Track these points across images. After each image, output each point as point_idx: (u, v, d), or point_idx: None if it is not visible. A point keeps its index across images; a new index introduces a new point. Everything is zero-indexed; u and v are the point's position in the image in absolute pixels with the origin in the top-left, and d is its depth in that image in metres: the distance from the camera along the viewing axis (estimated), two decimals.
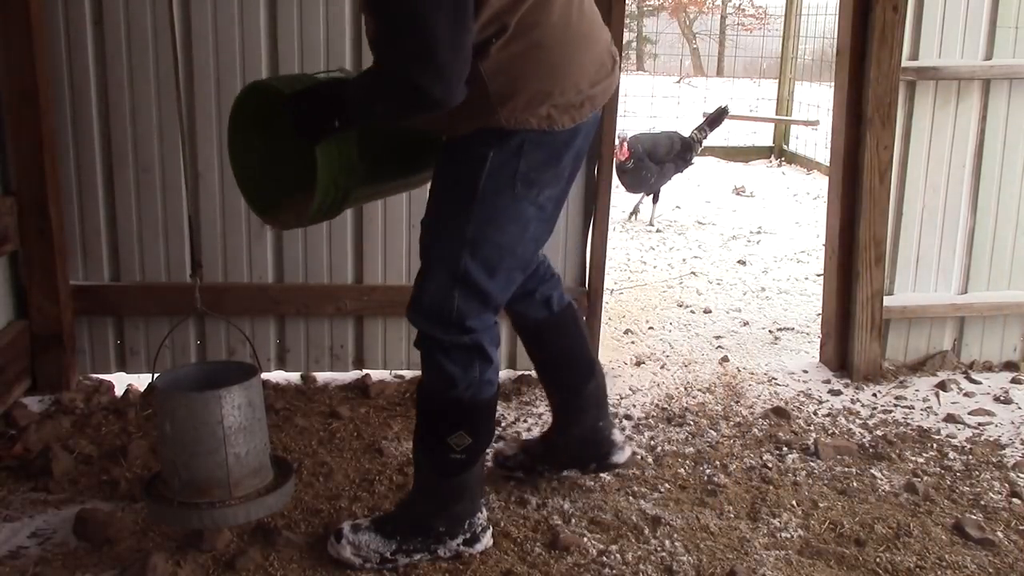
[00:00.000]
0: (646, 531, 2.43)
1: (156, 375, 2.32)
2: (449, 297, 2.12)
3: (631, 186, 5.97)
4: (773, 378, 3.55)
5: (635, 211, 6.11)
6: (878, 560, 2.33)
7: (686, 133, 6.37)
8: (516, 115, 2.00)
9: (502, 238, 2.10)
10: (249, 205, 2.32)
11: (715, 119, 6.51)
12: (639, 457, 2.84)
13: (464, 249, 2.09)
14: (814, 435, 3.04)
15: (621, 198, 5.91)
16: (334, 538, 2.27)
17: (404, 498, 2.44)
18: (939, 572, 2.31)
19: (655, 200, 6.11)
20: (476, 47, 1.92)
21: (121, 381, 3.24)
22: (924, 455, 2.93)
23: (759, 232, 5.94)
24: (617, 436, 2.65)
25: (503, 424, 3.01)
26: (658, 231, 5.94)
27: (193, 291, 2.38)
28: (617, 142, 5.49)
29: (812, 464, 2.84)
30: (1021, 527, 2.52)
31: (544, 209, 2.15)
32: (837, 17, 3.66)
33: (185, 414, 2.20)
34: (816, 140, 7.92)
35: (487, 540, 2.31)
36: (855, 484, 2.73)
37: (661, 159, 5.96)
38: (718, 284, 4.82)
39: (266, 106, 2.17)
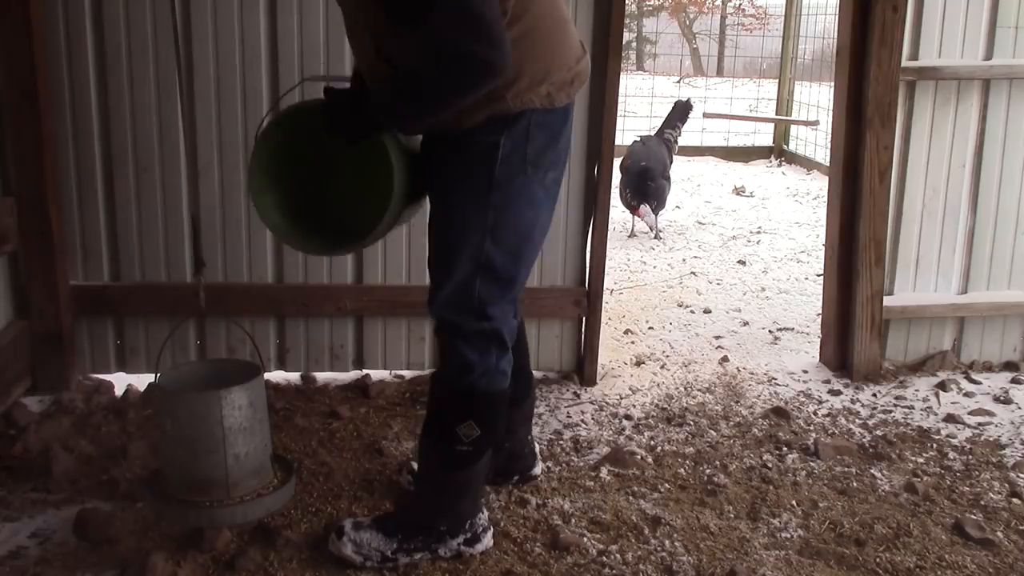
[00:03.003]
0: (646, 531, 2.43)
1: (159, 373, 2.32)
2: (471, 284, 2.15)
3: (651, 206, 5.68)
4: (773, 378, 3.55)
5: (633, 234, 5.89)
6: (878, 560, 2.33)
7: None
8: (521, 96, 2.07)
9: (519, 223, 2.16)
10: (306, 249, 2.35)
11: (684, 113, 6.25)
12: (639, 457, 2.84)
13: (486, 237, 2.13)
14: (814, 435, 3.04)
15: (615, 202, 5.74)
16: (335, 535, 2.27)
17: (406, 497, 2.44)
18: (939, 572, 2.31)
19: (656, 211, 5.75)
20: None
21: (121, 381, 3.24)
22: (924, 455, 2.93)
23: (759, 232, 5.94)
24: (536, 448, 2.71)
25: None
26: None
27: (194, 291, 2.38)
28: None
29: (812, 464, 2.84)
30: (1021, 527, 2.53)
31: (550, 192, 2.22)
32: (837, 17, 3.66)
33: (185, 413, 2.21)
34: (816, 140, 7.91)
35: (488, 540, 2.31)
36: (855, 484, 2.73)
37: (666, 165, 5.82)
38: (718, 284, 4.81)
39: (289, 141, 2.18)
